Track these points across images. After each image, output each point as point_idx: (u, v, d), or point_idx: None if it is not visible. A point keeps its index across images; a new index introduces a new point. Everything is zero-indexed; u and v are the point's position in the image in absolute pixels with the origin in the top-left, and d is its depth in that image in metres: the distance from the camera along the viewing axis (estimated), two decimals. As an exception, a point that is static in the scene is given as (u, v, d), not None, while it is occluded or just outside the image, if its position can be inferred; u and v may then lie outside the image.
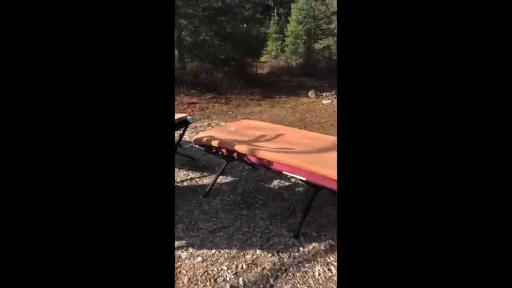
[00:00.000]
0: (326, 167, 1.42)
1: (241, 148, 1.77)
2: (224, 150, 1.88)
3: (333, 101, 5.39)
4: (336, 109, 4.97)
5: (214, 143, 1.90)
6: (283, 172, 1.62)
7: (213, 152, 1.98)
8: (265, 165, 1.70)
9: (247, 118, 4.52)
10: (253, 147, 1.77)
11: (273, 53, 10.81)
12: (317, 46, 9.57)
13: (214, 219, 1.95)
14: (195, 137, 2.05)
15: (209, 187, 2.22)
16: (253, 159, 1.74)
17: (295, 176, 1.56)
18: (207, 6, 6.46)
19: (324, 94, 6.10)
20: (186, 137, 3.39)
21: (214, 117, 4.54)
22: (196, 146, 2.04)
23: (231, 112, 4.87)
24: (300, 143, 1.88)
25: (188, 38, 6.35)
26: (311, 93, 6.10)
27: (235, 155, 1.83)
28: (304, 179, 1.53)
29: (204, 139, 1.97)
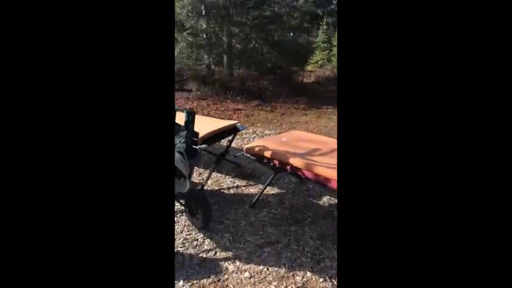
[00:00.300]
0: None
1: (295, 161, 1.69)
2: (276, 162, 1.81)
3: (384, 115, 5.05)
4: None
5: (267, 154, 1.84)
6: (342, 191, 1.50)
7: (264, 163, 1.92)
8: (321, 182, 1.59)
9: (293, 128, 4.43)
10: (309, 161, 1.68)
11: (319, 62, 10.62)
12: (367, 56, 9.17)
13: (261, 232, 1.88)
14: (246, 146, 2.01)
15: (256, 198, 2.17)
16: (308, 174, 1.64)
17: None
18: (257, 15, 6.54)
19: (374, 107, 5.77)
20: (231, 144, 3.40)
21: (258, 125, 4.52)
22: (248, 155, 1.99)
23: (275, 120, 4.82)
24: (360, 161, 1.75)
25: (238, 46, 6.47)
26: (360, 105, 5.82)
27: (288, 167, 1.75)
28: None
29: (256, 148, 1.93)
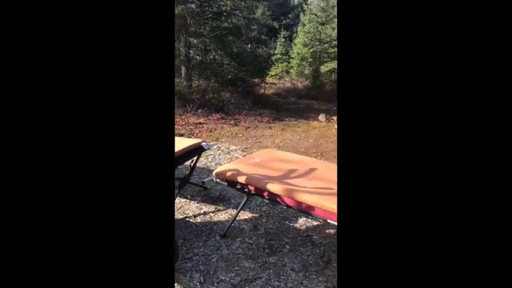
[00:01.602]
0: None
1: (274, 187, 1.52)
2: (252, 188, 1.62)
3: (345, 126, 5.19)
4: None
5: (241, 179, 1.65)
6: (328, 221, 1.36)
7: (238, 188, 1.72)
8: (304, 210, 1.44)
9: (259, 142, 4.29)
10: (289, 187, 1.52)
11: (279, 75, 10.79)
12: (323, 69, 9.54)
13: (236, 268, 1.66)
14: (216, 170, 1.79)
15: (227, 226, 1.94)
16: (288, 202, 1.48)
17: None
18: (216, 26, 6.39)
19: (335, 118, 5.92)
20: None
21: (223, 140, 4.30)
22: (218, 180, 1.77)
23: (240, 134, 4.64)
24: (341, 182, 1.63)
25: (197, 57, 6.22)
26: (322, 117, 5.92)
27: (265, 194, 1.57)
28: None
29: (228, 173, 1.72)
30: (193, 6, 6.09)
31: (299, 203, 1.43)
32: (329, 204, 1.35)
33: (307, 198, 1.40)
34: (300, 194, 1.43)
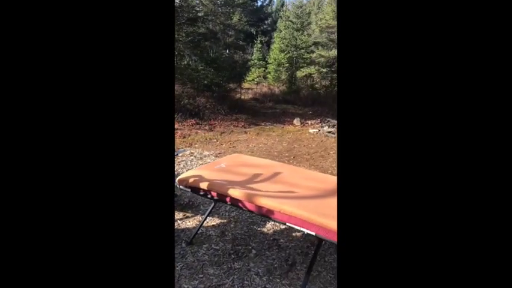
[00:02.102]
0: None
1: (235, 192, 1.52)
2: (214, 194, 1.62)
3: (319, 130, 5.30)
4: (323, 139, 4.86)
5: (203, 185, 1.64)
6: (288, 224, 1.37)
7: (201, 195, 1.70)
8: (264, 214, 1.45)
9: (233, 147, 4.29)
10: (250, 192, 1.52)
11: (256, 80, 10.87)
12: (299, 74, 9.73)
13: (200, 275, 1.64)
14: (179, 177, 1.77)
15: (194, 234, 1.92)
16: (250, 206, 1.49)
17: (302, 229, 1.32)
18: (191, 31, 6.36)
19: (310, 122, 6.04)
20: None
21: (196, 145, 4.27)
22: (181, 187, 1.75)
23: (215, 140, 4.62)
24: (302, 186, 1.66)
25: (171, 62, 6.16)
26: (296, 121, 6.02)
27: (227, 199, 1.56)
28: (313, 233, 1.29)
29: (191, 179, 1.70)
30: (166, 11, 6.02)
31: (259, 207, 1.44)
32: (287, 207, 1.37)
33: (266, 202, 1.42)
34: (260, 198, 1.44)
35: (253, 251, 1.86)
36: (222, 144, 4.39)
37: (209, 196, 1.66)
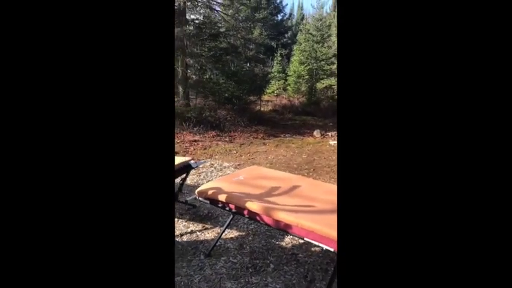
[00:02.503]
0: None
1: (253, 205, 1.52)
2: (232, 206, 1.63)
3: (340, 142, 5.20)
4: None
5: (221, 197, 1.66)
6: (306, 239, 1.35)
7: (220, 207, 1.72)
8: (282, 228, 1.44)
9: (252, 158, 4.31)
10: (267, 205, 1.52)
11: (276, 92, 10.96)
12: (319, 85, 9.70)
13: (218, 288, 1.64)
14: (198, 189, 1.80)
15: (212, 246, 1.93)
16: (267, 220, 1.48)
17: (320, 245, 1.30)
18: (213, 46, 6.58)
19: (330, 134, 5.96)
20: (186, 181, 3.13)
21: (217, 157, 4.33)
22: (200, 198, 1.78)
23: (234, 151, 4.67)
24: (321, 200, 1.64)
25: (194, 76, 6.37)
26: (316, 133, 5.96)
27: (245, 212, 1.57)
28: (332, 250, 1.26)
29: (209, 192, 1.73)
30: (191, 28, 6.30)
31: (277, 222, 1.44)
32: (305, 222, 1.35)
33: (284, 217, 1.41)
34: (278, 212, 1.44)
35: (271, 266, 1.83)
36: (241, 156, 4.43)
37: (227, 208, 1.68)
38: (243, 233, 2.20)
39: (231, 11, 7.56)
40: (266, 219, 1.49)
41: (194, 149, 4.65)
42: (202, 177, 3.41)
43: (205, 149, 4.71)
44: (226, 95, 6.64)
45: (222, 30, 6.95)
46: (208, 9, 6.69)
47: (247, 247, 2.03)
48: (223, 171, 3.64)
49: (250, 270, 1.78)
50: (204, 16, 6.71)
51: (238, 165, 3.95)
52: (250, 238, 2.14)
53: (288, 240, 2.11)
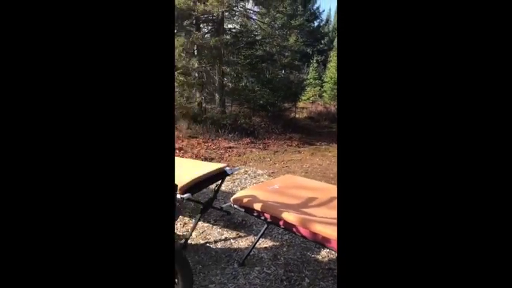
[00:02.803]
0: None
1: (289, 216, 1.47)
2: (268, 216, 1.60)
3: (379, 151, 4.93)
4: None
5: (257, 206, 1.63)
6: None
7: (255, 215, 1.70)
8: (319, 242, 1.37)
9: (286, 166, 4.25)
10: (304, 217, 1.46)
11: (311, 99, 10.80)
12: (357, 92, 9.36)
13: (251, 300, 1.60)
14: (234, 196, 1.80)
15: (246, 255, 1.90)
16: (304, 232, 1.42)
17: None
18: (249, 54, 6.68)
19: (369, 142, 5.69)
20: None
21: (251, 164, 4.34)
22: (235, 206, 1.77)
23: (268, 159, 4.65)
24: (362, 213, 1.54)
25: (230, 84, 6.51)
26: (354, 141, 5.73)
27: (281, 223, 1.53)
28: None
29: (245, 200, 1.71)
30: (228, 37, 6.48)
31: (314, 234, 1.37)
32: (345, 237, 1.27)
33: (322, 229, 1.34)
34: (316, 224, 1.37)
35: (307, 280, 1.75)
36: (275, 164, 4.38)
37: (262, 218, 1.64)
38: (277, 243, 2.15)
39: (267, 19, 7.65)
40: (303, 231, 1.43)
41: (229, 156, 4.71)
42: (236, 183, 3.43)
43: (239, 155, 4.75)
44: (261, 102, 6.67)
45: (258, 38, 7.05)
46: (245, 18, 6.83)
47: (282, 258, 1.97)
48: (257, 179, 3.62)
49: (285, 283, 1.72)
50: (240, 25, 6.86)
51: (272, 173, 3.91)
52: (284, 249, 2.08)
53: (324, 254, 2.01)
